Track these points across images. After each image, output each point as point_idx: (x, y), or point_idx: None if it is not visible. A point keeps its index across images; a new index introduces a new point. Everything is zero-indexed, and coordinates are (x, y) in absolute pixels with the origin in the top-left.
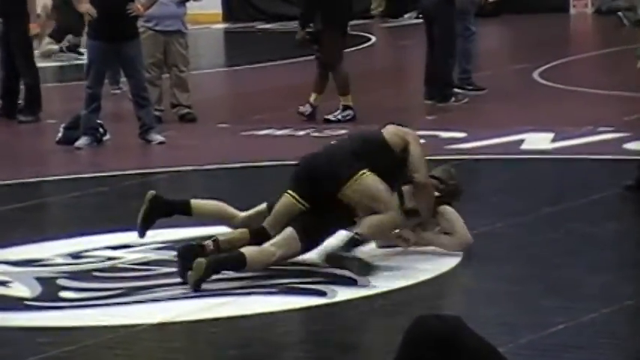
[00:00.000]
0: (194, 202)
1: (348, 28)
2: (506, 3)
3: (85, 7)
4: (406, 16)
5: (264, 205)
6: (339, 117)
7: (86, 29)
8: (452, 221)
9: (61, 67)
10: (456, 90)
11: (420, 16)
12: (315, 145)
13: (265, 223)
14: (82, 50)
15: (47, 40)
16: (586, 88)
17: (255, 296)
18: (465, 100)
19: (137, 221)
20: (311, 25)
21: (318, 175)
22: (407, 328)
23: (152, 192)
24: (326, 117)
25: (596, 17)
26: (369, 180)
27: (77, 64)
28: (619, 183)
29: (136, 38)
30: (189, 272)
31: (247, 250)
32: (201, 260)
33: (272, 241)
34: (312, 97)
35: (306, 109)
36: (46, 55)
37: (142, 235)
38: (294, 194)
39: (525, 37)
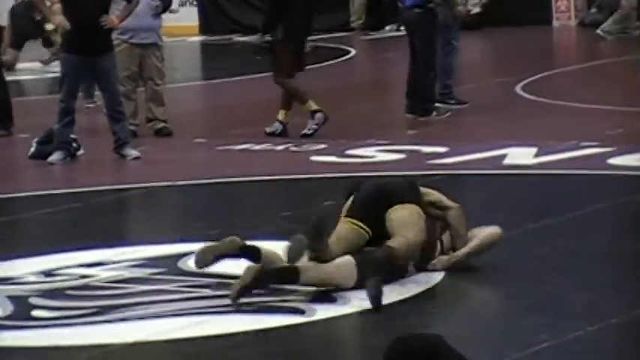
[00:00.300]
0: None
1: (307, 45)
2: (489, 16)
3: (58, 20)
4: (387, 28)
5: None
6: (313, 126)
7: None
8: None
9: (33, 80)
10: (438, 104)
11: (401, 28)
12: (293, 159)
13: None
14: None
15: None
16: (569, 102)
17: (232, 315)
18: (447, 114)
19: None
20: (270, 34)
21: (387, 195)
22: (386, 349)
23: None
24: (302, 133)
25: (580, 30)
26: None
27: (51, 77)
28: (603, 198)
29: (111, 51)
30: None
31: (302, 265)
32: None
33: (332, 262)
34: (281, 115)
35: (275, 128)
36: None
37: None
38: (353, 220)
39: (508, 50)
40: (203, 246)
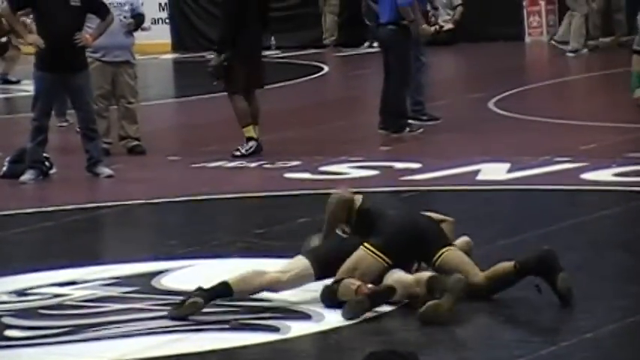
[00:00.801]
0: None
1: (259, 64)
2: (461, 31)
3: (33, 39)
4: (365, 44)
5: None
6: (243, 151)
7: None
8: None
9: (5, 99)
10: (411, 121)
11: (374, 45)
12: (267, 176)
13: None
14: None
15: None
16: (542, 118)
17: (207, 332)
18: (420, 130)
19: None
20: (225, 53)
21: (427, 237)
22: None
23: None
24: (233, 153)
25: (552, 46)
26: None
27: (23, 96)
28: (576, 213)
29: (85, 69)
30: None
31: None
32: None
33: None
34: (247, 131)
35: (249, 146)
36: None
37: None
38: (380, 253)
39: (481, 66)
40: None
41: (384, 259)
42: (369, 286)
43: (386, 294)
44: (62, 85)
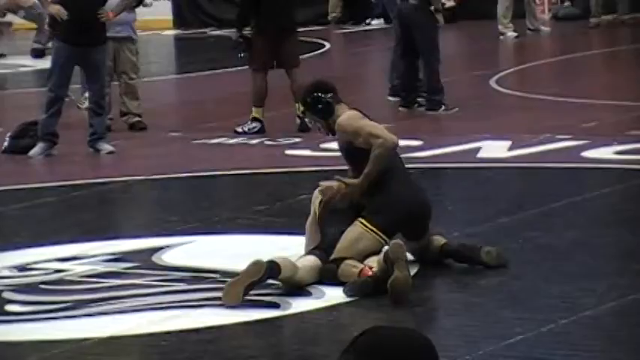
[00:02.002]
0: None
1: (286, 42)
2: (463, 9)
3: (56, 9)
4: (374, 22)
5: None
6: (246, 129)
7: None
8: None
9: (6, 74)
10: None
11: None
12: (268, 153)
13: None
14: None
15: None
16: (544, 96)
17: (207, 309)
18: (455, 109)
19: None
20: (246, 29)
21: (426, 220)
22: (365, 339)
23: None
24: (235, 129)
25: (554, 23)
26: None
27: (24, 72)
28: (577, 191)
29: (104, 44)
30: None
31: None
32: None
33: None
34: (255, 112)
35: (252, 126)
36: None
37: None
38: (381, 233)
39: (482, 44)
40: (229, 282)
41: (382, 239)
42: (373, 269)
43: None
44: (80, 59)
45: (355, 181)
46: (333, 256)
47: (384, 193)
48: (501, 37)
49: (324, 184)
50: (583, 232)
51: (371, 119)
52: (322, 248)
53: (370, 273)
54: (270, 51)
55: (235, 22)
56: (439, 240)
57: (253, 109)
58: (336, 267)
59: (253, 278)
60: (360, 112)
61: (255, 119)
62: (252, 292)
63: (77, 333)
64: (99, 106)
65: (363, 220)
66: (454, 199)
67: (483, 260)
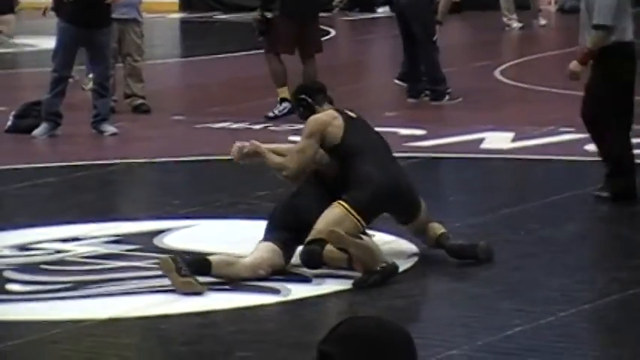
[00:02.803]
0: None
1: (310, 28)
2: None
3: None
4: (379, 10)
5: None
6: (276, 112)
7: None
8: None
9: (9, 53)
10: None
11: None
12: (272, 139)
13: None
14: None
15: None
16: (548, 88)
17: (207, 293)
18: (459, 99)
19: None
20: (270, 10)
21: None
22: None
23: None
24: (267, 114)
25: (560, 15)
26: None
27: (29, 52)
28: (579, 184)
29: (109, 26)
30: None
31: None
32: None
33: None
34: (281, 92)
35: (282, 107)
36: None
37: None
38: (359, 217)
39: (487, 35)
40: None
41: (360, 223)
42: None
43: (395, 271)
44: (85, 40)
45: (268, 153)
46: (312, 237)
47: (356, 175)
48: (507, 28)
49: (238, 144)
50: (584, 226)
51: (350, 118)
52: (285, 222)
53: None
54: (294, 35)
55: (261, 2)
56: (437, 229)
57: (278, 90)
58: (319, 248)
59: (171, 271)
60: (345, 113)
61: (283, 100)
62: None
63: (77, 314)
64: (103, 87)
65: (342, 202)
66: (456, 189)
67: (476, 256)
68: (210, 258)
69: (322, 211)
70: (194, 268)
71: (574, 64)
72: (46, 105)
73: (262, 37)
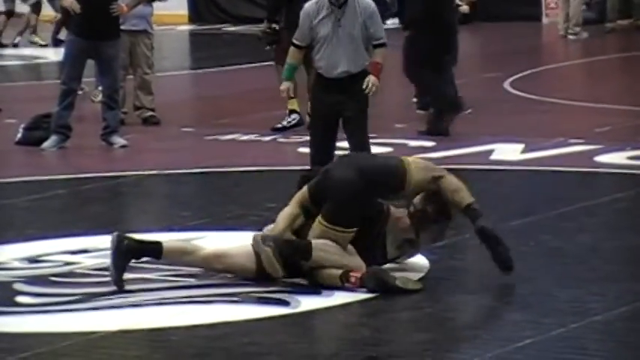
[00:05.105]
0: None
1: None
2: (478, 11)
3: (68, 2)
4: (388, 22)
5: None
6: (285, 123)
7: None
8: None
9: (21, 65)
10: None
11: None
12: (281, 150)
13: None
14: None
15: None
16: (557, 99)
17: (217, 305)
18: (469, 110)
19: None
20: (277, 21)
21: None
22: None
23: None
24: (275, 126)
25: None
26: None
27: (39, 64)
28: (589, 196)
29: (117, 39)
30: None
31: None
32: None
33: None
34: (290, 104)
35: (291, 118)
36: None
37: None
38: (336, 227)
39: (497, 46)
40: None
41: (339, 230)
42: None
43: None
44: (92, 52)
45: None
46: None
47: (325, 184)
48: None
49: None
50: (594, 237)
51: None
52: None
53: (353, 277)
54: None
55: (267, 13)
56: (465, 199)
57: (288, 102)
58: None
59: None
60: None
61: (292, 111)
62: (262, 290)
63: (86, 326)
64: (112, 99)
65: (319, 219)
66: None
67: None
68: (164, 243)
69: None
70: (143, 252)
71: None
72: (56, 118)
73: (270, 48)
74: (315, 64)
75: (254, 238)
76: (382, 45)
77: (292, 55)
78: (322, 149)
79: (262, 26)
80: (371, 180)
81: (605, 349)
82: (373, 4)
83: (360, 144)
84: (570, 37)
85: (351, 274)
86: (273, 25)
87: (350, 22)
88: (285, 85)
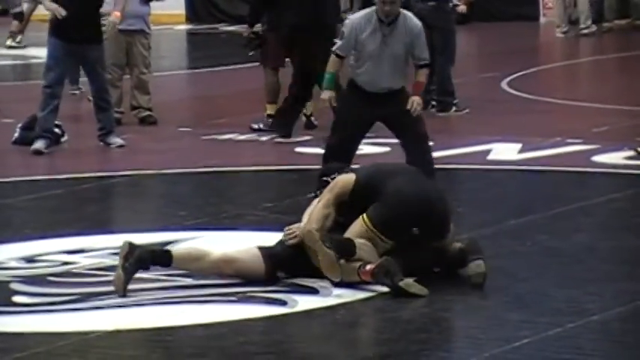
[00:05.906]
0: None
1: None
2: (475, 11)
3: (53, 7)
4: None
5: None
6: (261, 125)
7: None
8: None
9: (16, 65)
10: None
11: None
12: (278, 150)
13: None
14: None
15: None
16: (555, 99)
17: (214, 304)
18: (466, 110)
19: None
20: (258, 25)
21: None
22: None
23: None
24: (251, 125)
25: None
26: None
27: (35, 63)
28: (586, 196)
29: (100, 42)
30: None
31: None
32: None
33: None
34: (269, 108)
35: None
36: None
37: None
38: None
39: (494, 46)
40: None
41: (379, 237)
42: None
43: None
44: (76, 56)
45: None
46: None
47: (384, 194)
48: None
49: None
50: (591, 237)
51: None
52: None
53: (368, 268)
54: (283, 49)
55: (247, 18)
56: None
57: (267, 105)
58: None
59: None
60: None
61: (270, 116)
62: (259, 289)
63: (83, 326)
64: (103, 100)
65: (364, 217)
66: (463, 200)
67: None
68: (173, 251)
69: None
70: (153, 260)
71: None
72: (41, 122)
73: (253, 53)
74: (356, 77)
75: (308, 236)
76: (426, 65)
77: (333, 65)
78: (345, 150)
79: (244, 31)
80: (442, 215)
81: (601, 348)
82: (420, 25)
83: (423, 134)
84: (583, 31)
85: (368, 266)
86: (256, 30)
87: (396, 40)
88: (327, 95)
